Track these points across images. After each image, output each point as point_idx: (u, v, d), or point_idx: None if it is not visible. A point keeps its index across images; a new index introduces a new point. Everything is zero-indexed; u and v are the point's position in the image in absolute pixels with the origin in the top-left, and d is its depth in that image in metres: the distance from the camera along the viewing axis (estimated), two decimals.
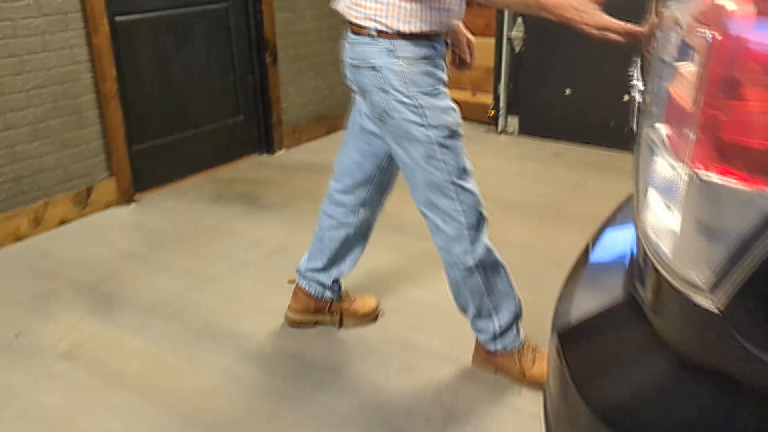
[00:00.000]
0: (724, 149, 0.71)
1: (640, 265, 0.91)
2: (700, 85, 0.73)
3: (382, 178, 2.13)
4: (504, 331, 2.05)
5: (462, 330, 2.19)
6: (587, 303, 1.03)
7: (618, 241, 1.20)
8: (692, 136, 0.74)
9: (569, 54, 4.17)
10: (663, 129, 0.84)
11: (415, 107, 1.84)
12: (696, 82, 0.74)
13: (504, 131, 4.59)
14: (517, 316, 2.06)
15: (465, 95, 4.76)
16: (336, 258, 2.28)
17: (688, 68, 0.80)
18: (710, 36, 0.73)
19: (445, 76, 1.91)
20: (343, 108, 4.64)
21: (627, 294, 0.96)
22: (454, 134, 1.88)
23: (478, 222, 1.94)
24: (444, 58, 1.94)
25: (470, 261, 1.95)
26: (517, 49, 4.41)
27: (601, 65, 4.00)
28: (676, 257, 0.77)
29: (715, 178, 0.70)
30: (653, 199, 0.86)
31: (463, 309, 2.07)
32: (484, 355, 2.12)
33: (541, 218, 3.24)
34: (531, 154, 4.24)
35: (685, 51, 0.82)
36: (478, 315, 2.04)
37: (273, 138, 4.17)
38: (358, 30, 1.86)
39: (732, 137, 0.70)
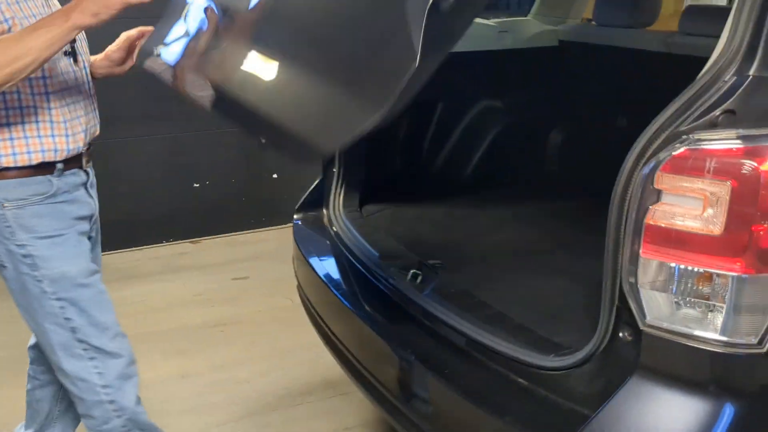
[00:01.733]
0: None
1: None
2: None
3: None
4: None
5: None
6: None
7: None
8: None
9: None
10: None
11: (24, 256, 1.58)
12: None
13: None
14: None
15: None
16: (50, 421, 1.99)
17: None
18: None
19: (83, 210, 1.67)
20: None
21: None
22: (77, 285, 1.61)
23: (121, 377, 1.67)
24: (86, 188, 1.69)
25: (118, 423, 1.67)
26: None
27: None
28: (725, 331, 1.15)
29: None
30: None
31: None
32: None
33: None
34: None
35: None
36: None
37: None
38: None
39: None
